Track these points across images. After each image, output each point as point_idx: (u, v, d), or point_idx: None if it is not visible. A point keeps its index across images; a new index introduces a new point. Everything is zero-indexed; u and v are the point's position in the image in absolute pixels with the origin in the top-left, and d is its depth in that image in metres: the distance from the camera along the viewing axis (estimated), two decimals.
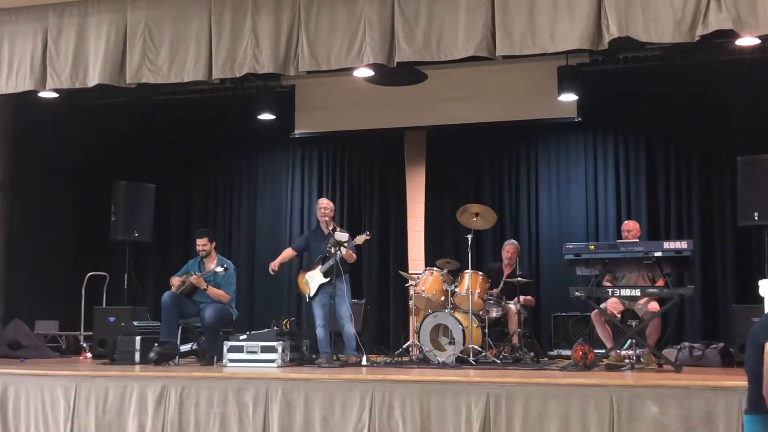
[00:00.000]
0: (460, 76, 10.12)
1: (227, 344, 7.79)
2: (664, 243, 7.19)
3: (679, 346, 8.09)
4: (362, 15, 7.17)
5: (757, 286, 6.38)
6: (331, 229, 8.50)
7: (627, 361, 7.52)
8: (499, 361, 7.93)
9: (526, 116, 10.29)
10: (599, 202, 10.34)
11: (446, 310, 8.17)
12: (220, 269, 8.47)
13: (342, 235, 8.29)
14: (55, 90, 8.40)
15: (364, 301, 9.97)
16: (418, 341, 8.27)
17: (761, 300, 6.30)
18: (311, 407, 6.25)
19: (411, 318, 9.24)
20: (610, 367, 7.16)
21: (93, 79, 7.85)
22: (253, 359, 7.64)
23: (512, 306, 8.71)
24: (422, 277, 8.68)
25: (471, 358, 7.83)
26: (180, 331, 8.54)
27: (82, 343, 10.05)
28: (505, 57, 7.11)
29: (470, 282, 8.34)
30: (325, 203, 8.74)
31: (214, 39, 7.55)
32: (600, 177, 10.39)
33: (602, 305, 7.65)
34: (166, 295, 8.49)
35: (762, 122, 8.93)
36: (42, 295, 10.71)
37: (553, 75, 9.81)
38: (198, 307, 8.51)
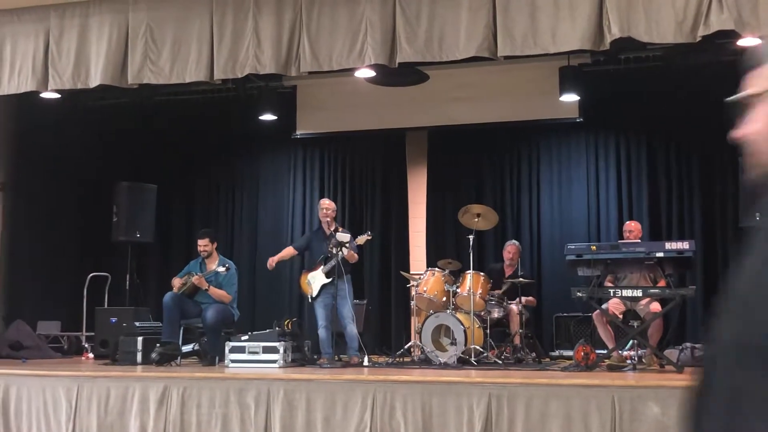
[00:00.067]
0: (461, 77, 10.13)
1: (229, 345, 7.80)
2: (666, 243, 7.19)
3: (680, 347, 8.09)
4: (364, 15, 7.17)
5: None
6: (333, 229, 8.50)
7: (629, 361, 7.52)
8: (500, 362, 7.93)
9: (527, 117, 10.29)
10: (601, 202, 10.35)
11: (448, 311, 8.17)
12: (221, 269, 8.48)
13: (344, 236, 8.30)
14: (57, 91, 8.41)
15: (365, 301, 9.97)
16: (420, 342, 8.27)
17: None
18: (313, 408, 6.25)
19: (412, 318, 9.25)
20: (611, 368, 7.16)
21: (95, 80, 7.86)
22: (255, 360, 7.65)
23: (514, 306, 8.71)
24: (424, 277, 8.68)
25: (473, 359, 7.83)
26: (182, 331, 8.55)
27: (84, 344, 10.06)
28: (506, 57, 7.12)
29: (472, 282, 8.34)
30: (326, 204, 8.74)
31: (216, 39, 7.56)
32: (601, 177, 10.39)
33: (604, 306, 7.65)
34: (167, 296, 8.49)
35: None
36: (44, 296, 10.72)
37: (555, 75, 9.82)
38: (200, 308, 8.51)
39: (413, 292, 8.76)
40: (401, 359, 8.32)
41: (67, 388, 6.83)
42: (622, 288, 7.46)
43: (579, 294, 7.24)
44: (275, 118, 10.85)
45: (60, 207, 11.11)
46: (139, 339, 8.30)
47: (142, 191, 10.43)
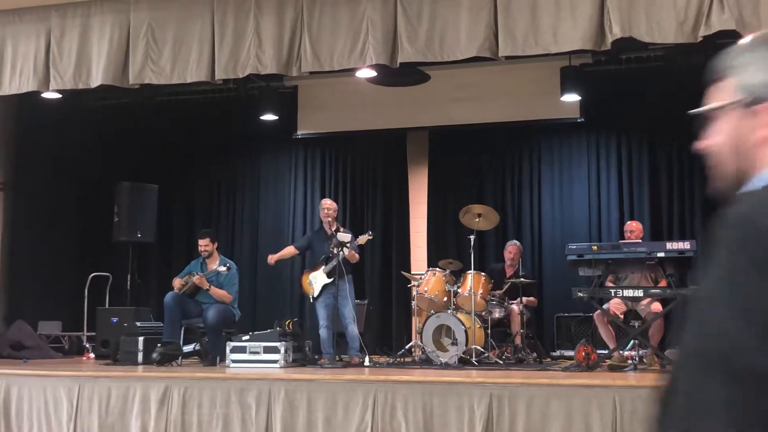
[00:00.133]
0: (462, 77, 10.12)
1: (230, 345, 7.80)
2: (667, 243, 7.19)
3: None
4: (365, 15, 7.17)
5: None
6: (334, 229, 8.50)
7: (630, 361, 7.52)
8: (501, 362, 7.93)
9: (528, 117, 10.29)
10: (602, 202, 10.35)
11: (449, 311, 8.17)
12: (222, 268, 8.48)
13: (344, 236, 8.29)
14: (59, 91, 8.41)
15: (366, 301, 9.97)
16: (421, 342, 8.27)
17: None
18: (314, 408, 6.25)
19: (413, 318, 9.25)
20: (612, 368, 7.16)
21: (96, 80, 7.86)
22: (256, 360, 7.65)
23: (515, 307, 8.71)
24: (425, 277, 8.68)
25: (473, 359, 7.83)
26: (183, 331, 8.55)
27: (85, 344, 10.06)
28: (507, 57, 7.12)
29: (473, 283, 8.34)
30: (328, 204, 8.74)
31: (217, 40, 7.56)
32: (603, 177, 10.39)
33: (605, 306, 7.65)
34: (168, 296, 8.50)
35: None
36: (45, 296, 10.72)
37: (556, 75, 9.81)
38: (201, 308, 8.51)
39: (414, 292, 8.76)
40: (402, 359, 8.32)
41: (68, 388, 6.84)
42: (623, 288, 7.46)
43: (580, 294, 7.24)
44: (276, 118, 10.85)
45: (61, 207, 11.11)
46: (140, 339, 8.30)
47: (143, 191, 10.43)
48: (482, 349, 8.00)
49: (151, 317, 9.55)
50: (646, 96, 9.92)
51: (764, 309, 1.09)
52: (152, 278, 11.35)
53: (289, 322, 8.28)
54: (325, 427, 6.19)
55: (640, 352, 7.64)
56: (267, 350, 7.68)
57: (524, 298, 8.75)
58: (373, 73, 8.82)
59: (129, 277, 10.34)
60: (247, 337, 7.83)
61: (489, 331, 8.31)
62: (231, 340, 7.89)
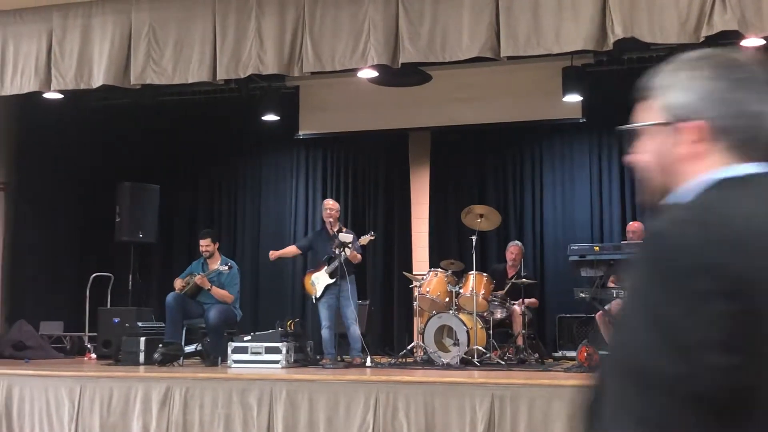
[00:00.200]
0: (464, 77, 10.12)
1: (231, 345, 7.80)
2: None
3: None
4: (366, 16, 7.17)
5: None
6: (336, 230, 8.49)
7: None
8: (503, 363, 7.93)
9: (530, 117, 10.28)
10: (604, 203, 10.34)
11: (450, 312, 8.17)
12: (223, 268, 8.49)
13: (346, 236, 8.29)
14: (60, 91, 8.41)
15: (368, 302, 9.97)
16: (423, 342, 8.26)
17: None
18: (315, 408, 6.25)
19: (415, 319, 9.25)
20: None
21: (97, 80, 7.86)
22: (258, 360, 7.65)
23: (517, 307, 8.70)
24: (426, 278, 8.68)
25: (475, 360, 7.82)
26: (184, 331, 8.56)
27: (86, 344, 10.06)
28: (509, 58, 7.12)
29: (475, 283, 8.33)
30: (330, 204, 8.74)
31: (219, 40, 7.55)
32: (605, 178, 10.38)
33: (607, 306, 7.64)
34: (170, 296, 8.50)
35: None
36: (47, 296, 10.72)
37: (558, 76, 9.80)
38: (202, 308, 8.51)
39: (416, 293, 8.76)
40: (404, 360, 8.31)
41: (70, 388, 6.84)
42: (625, 289, 7.44)
43: (582, 295, 7.24)
44: (278, 118, 10.85)
45: (63, 207, 11.11)
46: (142, 339, 8.30)
47: (145, 191, 10.43)
48: (484, 350, 7.99)
49: (153, 317, 9.55)
50: None
51: (671, 320, 1.16)
52: (154, 278, 11.35)
53: (290, 323, 8.28)
54: (326, 428, 6.19)
55: None
56: (268, 351, 7.68)
57: (526, 299, 8.74)
58: (374, 74, 8.80)
59: (130, 277, 10.34)
60: (249, 338, 7.83)
61: (491, 331, 8.31)
62: (233, 341, 7.89)
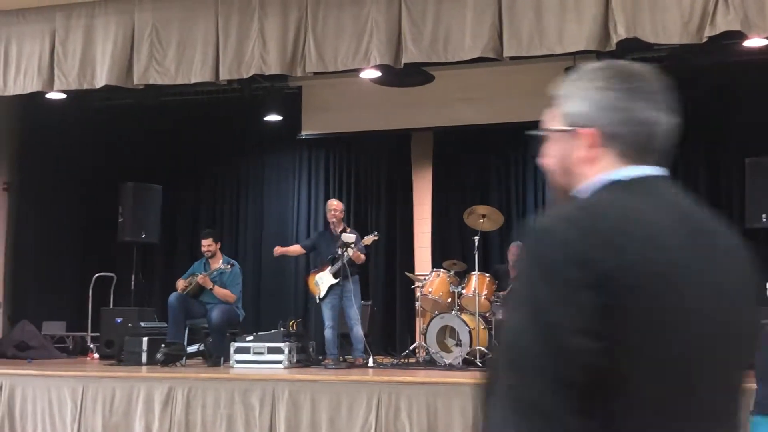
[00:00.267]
0: (467, 77, 10.11)
1: (234, 345, 7.80)
2: None
3: None
4: (369, 16, 7.17)
5: (765, 289, 6.35)
6: (340, 230, 8.50)
7: None
8: None
9: (532, 117, 10.11)
10: None
11: (453, 312, 8.16)
12: (225, 266, 8.49)
13: (349, 237, 8.30)
14: (63, 91, 8.42)
15: (370, 302, 9.97)
16: (425, 343, 8.26)
17: None
18: (318, 408, 6.25)
19: (417, 320, 9.24)
20: None
21: (100, 81, 7.86)
22: (260, 360, 7.64)
23: None
24: (429, 278, 8.67)
25: (478, 360, 7.82)
26: (187, 332, 8.56)
27: (89, 344, 10.06)
28: (512, 58, 7.11)
29: (477, 284, 8.33)
30: (334, 204, 8.75)
31: (221, 40, 7.56)
32: None
33: None
34: (172, 296, 8.51)
35: None
36: (49, 296, 10.73)
37: (561, 76, 9.71)
38: (205, 308, 8.52)
39: (418, 293, 8.75)
40: (406, 360, 8.31)
41: (72, 388, 6.84)
42: None
43: None
44: (280, 118, 10.85)
45: (65, 207, 11.13)
46: (144, 339, 8.30)
47: (148, 192, 10.43)
48: (486, 350, 7.99)
49: (156, 317, 9.54)
50: None
51: (544, 308, 1.27)
52: (156, 278, 11.36)
53: (292, 323, 8.29)
54: (328, 428, 6.19)
55: None
56: (271, 351, 7.67)
57: None
58: (377, 74, 8.80)
59: (133, 277, 10.34)
60: (251, 338, 7.83)
61: (493, 332, 8.30)
62: (235, 341, 7.89)
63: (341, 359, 8.24)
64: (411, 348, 8.56)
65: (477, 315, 8.15)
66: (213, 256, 8.82)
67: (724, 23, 6.21)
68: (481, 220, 8.74)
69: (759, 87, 9.03)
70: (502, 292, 8.78)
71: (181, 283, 8.68)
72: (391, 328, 10.72)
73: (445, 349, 8.09)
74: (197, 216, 11.85)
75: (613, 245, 1.29)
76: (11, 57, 8.16)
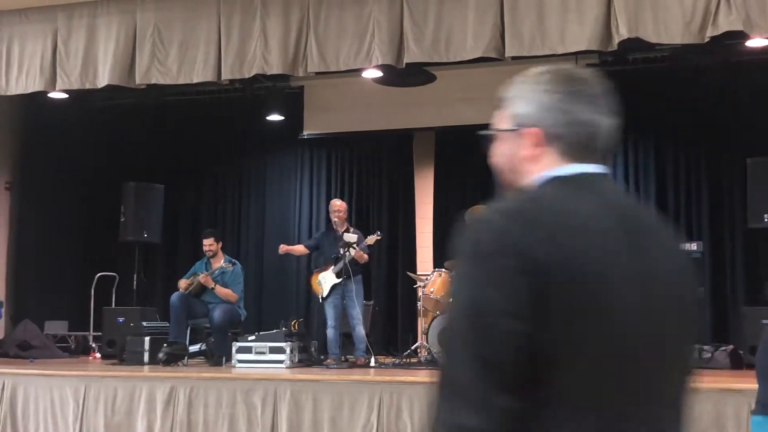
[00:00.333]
0: (468, 77, 10.10)
1: (236, 345, 7.80)
2: None
3: None
4: (371, 16, 7.17)
5: (767, 288, 6.35)
6: (344, 230, 8.52)
7: None
8: None
9: None
10: None
11: None
12: (227, 265, 8.50)
13: (351, 236, 8.31)
14: (65, 91, 8.43)
15: (372, 302, 9.97)
16: (427, 343, 8.26)
17: None
18: (319, 408, 6.25)
19: (419, 319, 9.23)
20: None
21: (103, 80, 7.88)
22: (262, 360, 7.64)
23: None
24: (431, 278, 8.67)
25: None
26: (189, 331, 8.56)
27: (91, 344, 10.07)
28: (514, 58, 7.11)
29: None
30: (338, 205, 8.76)
31: (223, 40, 7.56)
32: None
33: None
34: (174, 296, 8.51)
35: None
36: (51, 296, 10.74)
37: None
38: (207, 308, 8.52)
39: (420, 293, 8.75)
40: (408, 360, 8.31)
41: (75, 387, 6.85)
42: None
43: None
44: (282, 118, 10.85)
45: (67, 207, 11.14)
46: (147, 339, 8.30)
47: (150, 191, 10.43)
48: None
49: (158, 317, 9.55)
50: (653, 96, 9.89)
51: (476, 292, 1.36)
52: (158, 278, 11.36)
53: (294, 323, 8.29)
54: (330, 428, 6.19)
55: None
56: (273, 350, 7.68)
57: None
58: (379, 74, 8.81)
59: (135, 276, 10.35)
60: (253, 338, 7.84)
61: None
62: (237, 340, 7.90)
63: (343, 359, 8.24)
64: (413, 348, 8.56)
65: None
66: (214, 255, 8.83)
67: (726, 23, 6.20)
68: None
69: (761, 87, 9.02)
70: None
71: (183, 283, 8.69)
72: (393, 328, 10.72)
73: None
74: (199, 216, 11.84)
75: (546, 235, 1.37)
76: (13, 57, 8.18)
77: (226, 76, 7.64)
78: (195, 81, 7.76)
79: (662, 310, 1.46)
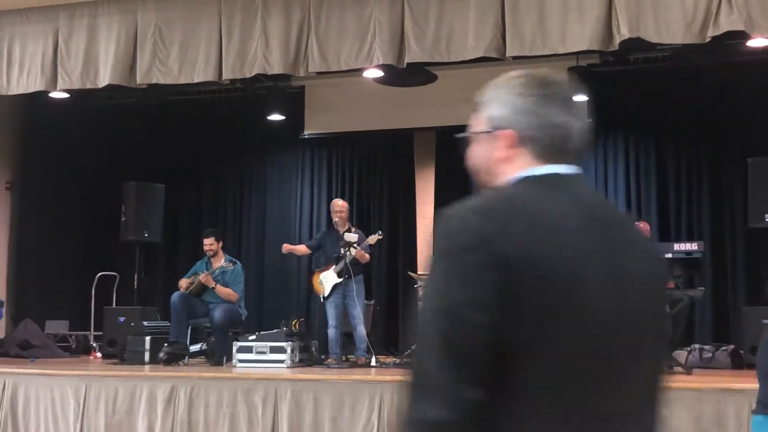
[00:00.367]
0: (469, 77, 10.06)
1: (236, 344, 7.80)
2: (675, 245, 7.18)
3: (689, 348, 8.05)
4: (372, 16, 7.17)
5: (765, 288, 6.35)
6: (345, 229, 8.52)
7: None
8: None
9: None
10: None
11: None
12: (227, 264, 8.50)
13: (351, 236, 8.31)
14: (66, 90, 8.43)
15: (373, 302, 9.97)
16: None
17: None
18: (320, 408, 6.25)
19: None
20: None
21: (104, 80, 7.88)
22: (263, 359, 7.64)
23: None
24: None
25: None
26: (189, 331, 8.56)
27: (92, 343, 10.07)
28: (515, 58, 7.10)
29: None
30: (339, 204, 8.76)
31: (225, 40, 7.56)
32: (610, 178, 10.36)
33: None
34: (175, 295, 8.51)
35: None
36: (52, 295, 10.74)
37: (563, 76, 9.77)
38: (207, 307, 8.52)
39: (421, 293, 8.74)
40: (409, 360, 8.29)
41: (75, 387, 6.85)
42: None
43: None
44: (283, 118, 10.85)
45: (68, 206, 11.14)
46: (147, 338, 8.30)
47: (150, 191, 10.43)
48: None
49: (158, 317, 9.55)
50: (654, 96, 9.89)
51: (446, 286, 1.42)
52: (159, 278, 11.36)
53: (295, 322, 8.28)
54: (331, 427, 6.19)
55: None
56: (273, 350, 7.68)
57: None
58: (380, 74, 8.80)
59: (136, 276, 10.35)
60: (254, 337, 7.84)
61: None
62: (238, 340, 7.90)
63: (344, 359, 8.24)
64: (413, 348, 8.55)
65: None
66: (215, 255, 8.83)
67: (727, 23, 6.20)
68: None
69: (762, 87, 9.02)
70: None
71: (183, 282, 8.69)
72: (394, 328, 10.72)
73: None
74: (200, 215, 11.85)
75: (518, 233, 1.42)
76: (14, 56, 8.18)
77: (227, 75, 7.64)
78: (196, 81, 7.76)
79: (635, 309, 1.49)
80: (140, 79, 7.82)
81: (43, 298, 10.66)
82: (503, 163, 1.65)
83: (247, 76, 7.68)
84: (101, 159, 11.18)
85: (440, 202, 10.96)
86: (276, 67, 7.44)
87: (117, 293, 10.56)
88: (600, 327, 1.43)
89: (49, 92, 8.45)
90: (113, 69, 7.79)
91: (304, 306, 10.94)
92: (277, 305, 10.93)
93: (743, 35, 6.55)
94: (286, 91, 10.81)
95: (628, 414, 1.48)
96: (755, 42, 7.57)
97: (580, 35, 6.59)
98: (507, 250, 1.40)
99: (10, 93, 8.32)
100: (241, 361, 7.69)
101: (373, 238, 8.42)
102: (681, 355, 7.83)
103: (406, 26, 7.09)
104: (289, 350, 7.64)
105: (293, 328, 8.14)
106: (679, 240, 9.32)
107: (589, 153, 10.44)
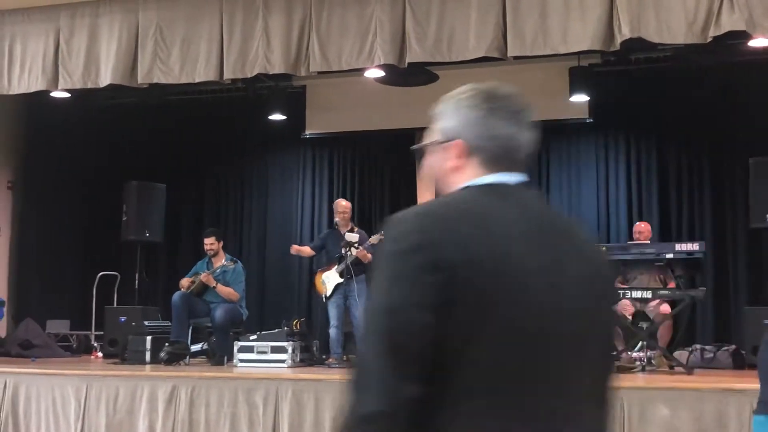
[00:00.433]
0: (471, 77, 9.90)
1: (237, 344, 7.80)
2: (676, 245, 7.16)
3: (690, 348, 8.05)
4: (373, 16, 7.17)
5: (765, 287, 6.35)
6: (348, 229, 8.52)
7: (638, 363, 7.49)
8: None
9: (536, 117, 10.19)
10: (610, 203, 10.30)
11: None
12: (228, 263, 8.50)
13: (353, 236, 8.31)
14: (67, 90, 8.43)
15: None
16: None
17: None
18: (321, 407, 6.25)
19: None
20: (620, 370, 7.12)
21: (105, 80, 7.88)
22: (264, 359, 7.64)
23: None
24: None
25: None
26: (190, 330, 8.56)
27: (93, 343, 10.07)
28: (516, 58, 7.10)
29: None
30: (343, 204, 8.76)
31: (226, 39, 7.56)
32: (611, 178, 10.35)
33: (614, 307, 7.61)
34: (176, 295, 8.51)
35: None
36: (53, 295, 10.75)
37: (565, 76, 9.78)
38: (208, 307, 8.52)
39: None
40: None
41: (76, 387, 6.85)
42: (631, 289, 7.43)
43: None
44: (284, 118, 10.84)
45: (69, 206, 11.14)
46: (148, 338, 8.30)
47: (151, 191, 10.43)
48: None
49: (159, 316, 9.55)
50: (656, 96, 9.89)
51: (389, 287, 1.46)
52: (160, 277, 11.36)
53: (296, 322, 8.28)
54: (332, 427, 6.18)
55: (649, 353, 7.60)
56: (274, 350, 7.68)
57: None
58: (381, 73, 8.80)
59: (137, 276, 10.35)
60: (255, 337, 7.84)
61: None
62: (239, 340, 7.90)
63: (345, 358, 8.24)
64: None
65: None
66: (216, 254, 8.83)
67: (728, 23, 6.19)
68: None
69: (763, 87, 9.01)
70: None
71: (184, 282, 8.69)
72: None
73: None
74: (201, 215, 11.84)
75: (458, 235, 1.48)
76: (16, 56, 8.18)
77: (228, 75, 7.64)
78: (197, 80, 7.76)
79: (577, 313, 1.54)
80: (141, 79, 7.82)
81: (44, 298, 10.66)
82: (454, 172, 1.72)
83: (249, 75, 7.68)
84: (102, 159, 11.18)
85: None
86: (277, 67, 7.44)
87: (118, 293, 10.57)
88: (539, 329, 1.48)
89: (51, 92, 8.46)
90: (114, 69, 7.79)
91: (305, 306, 10.94)
92: (279, 305, 10.93)
93: (745, 35, 6.55)
94: (287, 91, 10.81)
95: (569, 414, 1.51)
96: (757, 42, 7.56)
97: (582, 35, 6.59)
98: (449, 253, 1.45)
99: (11, 93, 8.32)
100: (242, 360, 7.69)
101: (375, 238, 8.41)
102: (682, 355, 7.82)
103: (407, 26, 7.09)
104: (290, 350, 7.64)
105: (294, 328, 8.14)
106: (680, 240, 9.30)
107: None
